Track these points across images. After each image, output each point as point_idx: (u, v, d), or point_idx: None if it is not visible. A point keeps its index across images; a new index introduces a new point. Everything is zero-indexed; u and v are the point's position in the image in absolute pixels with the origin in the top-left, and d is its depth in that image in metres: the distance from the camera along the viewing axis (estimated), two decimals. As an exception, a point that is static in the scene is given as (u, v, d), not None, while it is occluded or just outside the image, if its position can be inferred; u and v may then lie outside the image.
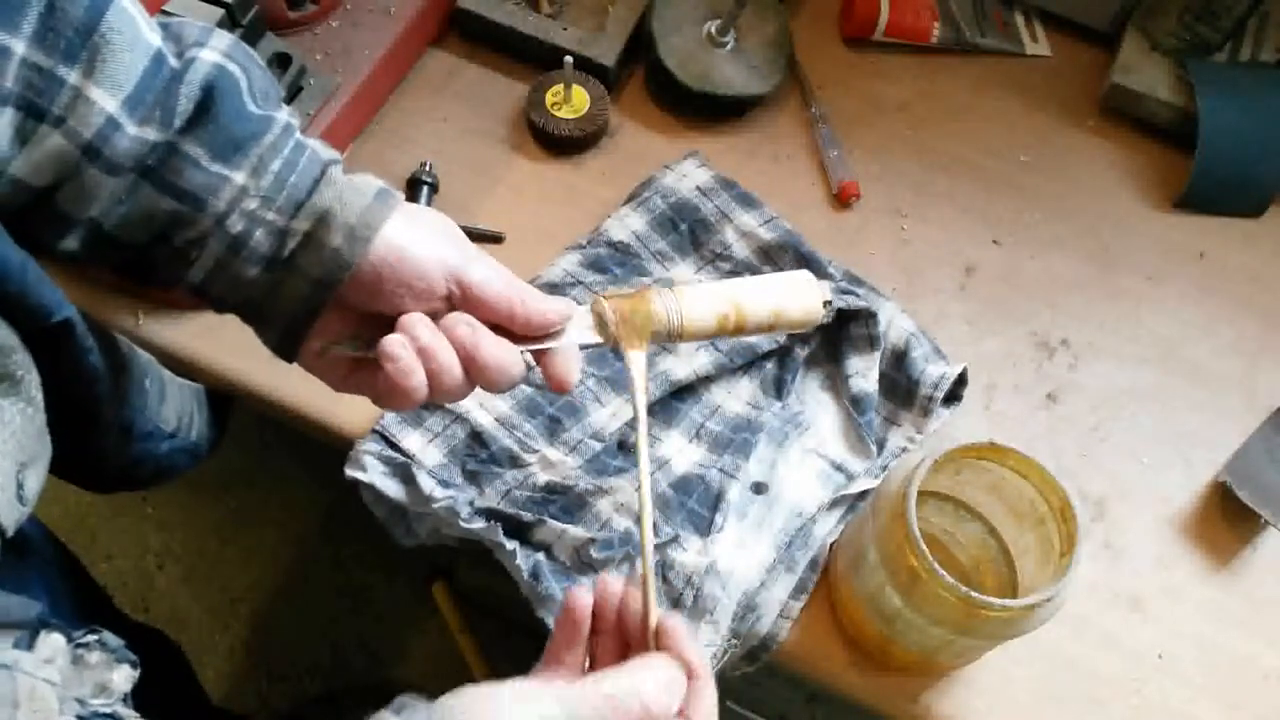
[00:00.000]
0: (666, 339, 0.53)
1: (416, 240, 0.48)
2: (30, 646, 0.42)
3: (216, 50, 0.47)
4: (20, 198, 0.45)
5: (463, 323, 0.48)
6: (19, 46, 0.42)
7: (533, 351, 0.51)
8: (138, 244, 0.48)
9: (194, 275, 0.48)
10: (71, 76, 0.43)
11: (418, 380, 0.47)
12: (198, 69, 0.46)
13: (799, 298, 0.55)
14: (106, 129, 0.44)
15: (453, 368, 0.48)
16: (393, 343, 0.47)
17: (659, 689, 0.45)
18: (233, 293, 0.49)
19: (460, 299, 0.49)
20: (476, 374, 0.49)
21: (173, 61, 0.46)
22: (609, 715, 0.43)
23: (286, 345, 0.51)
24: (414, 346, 0.47)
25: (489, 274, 0.49)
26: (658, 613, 0.48)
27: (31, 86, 0.43)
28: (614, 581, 0.50)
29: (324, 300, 0.48)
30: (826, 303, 0.56)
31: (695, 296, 0.53)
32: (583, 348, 0.53)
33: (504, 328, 0.50)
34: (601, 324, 0.52)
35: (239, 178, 0.47)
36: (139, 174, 0.46)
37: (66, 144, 0.44)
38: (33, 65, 0.43)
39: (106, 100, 0.44)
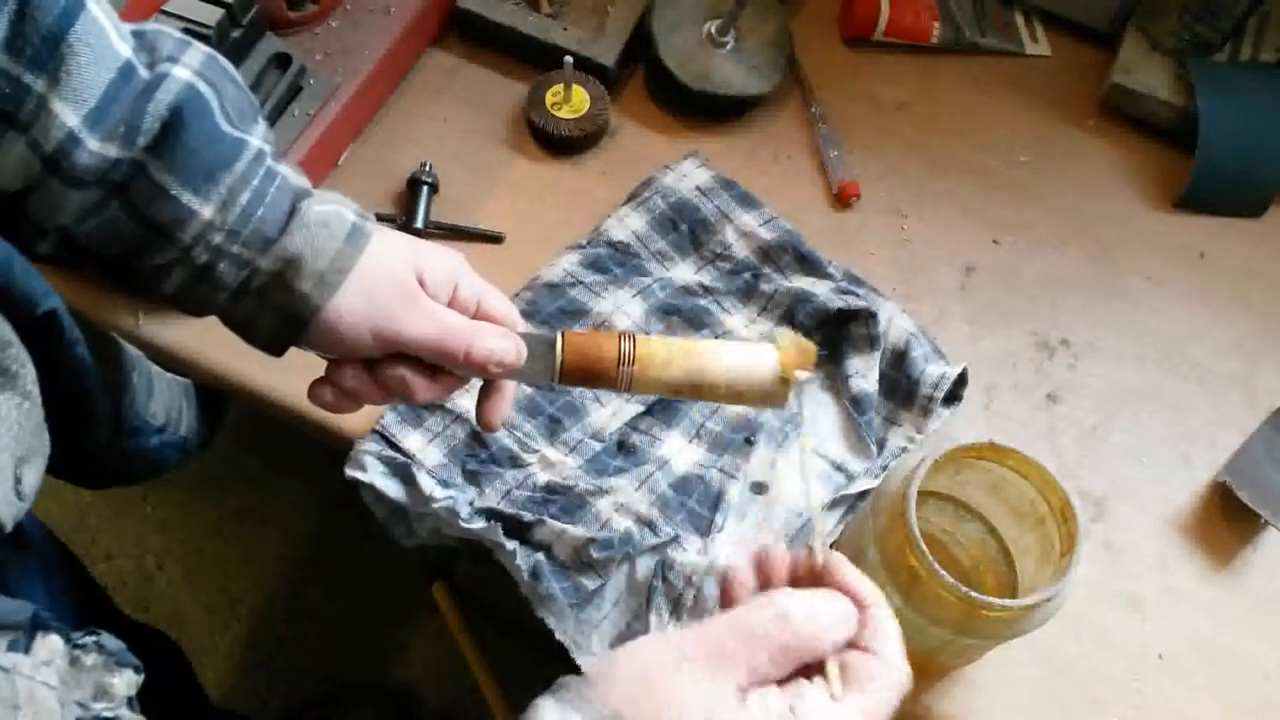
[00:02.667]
0: (613, 390, 0.53)
1: (348, 318, 0.49)
2: (28, 649, 0.42)
3: (189, 68, 0.46)
4: None
5: (396, 378, 0.51)
6: None
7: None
8: (110, 255, 0.48)
9: (166, 290, 0.49)
10: (38, 85, 0.43)
11: (347, 411, 0.53)
12: (168, 87, 0.45)
13: (763, 389, 0.53)
14: (67, 143, 0.43)
15: (384, 401, 0.52)
16: (318, 389, 0.52)
17: (801, 604, 0.41)
18: (205, 309, 0.50)
19: (398, 351, 0.51)
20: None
21: (143, 73, 0.46)
22: (735, 636, 0.40)
23: (273, 352, 0.52)
24: (343, 388, 0.51)
25: (423, 332, 0.50)
26: (822, 555, 0.45)
27: (0, 92, 0.42)
28: (776, 548, 0.47)
29: (296, 334, 0.50)
30: (784, 380, 0.53)
31: (659, 364, 0.53)
32: (531, 385, 0.54)
33: None
34: (553, 363, 0.53)
35: (207, 212, 0.46)
36: (106, 190, 0.45)
37: (30, 154, 0.43)
38: (2, 71, 0.42)
39: (68, 114, 0.43)
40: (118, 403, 0.65)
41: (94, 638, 0.45)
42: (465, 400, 0.73)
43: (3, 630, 0.42)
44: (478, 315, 0.54)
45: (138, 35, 0.47)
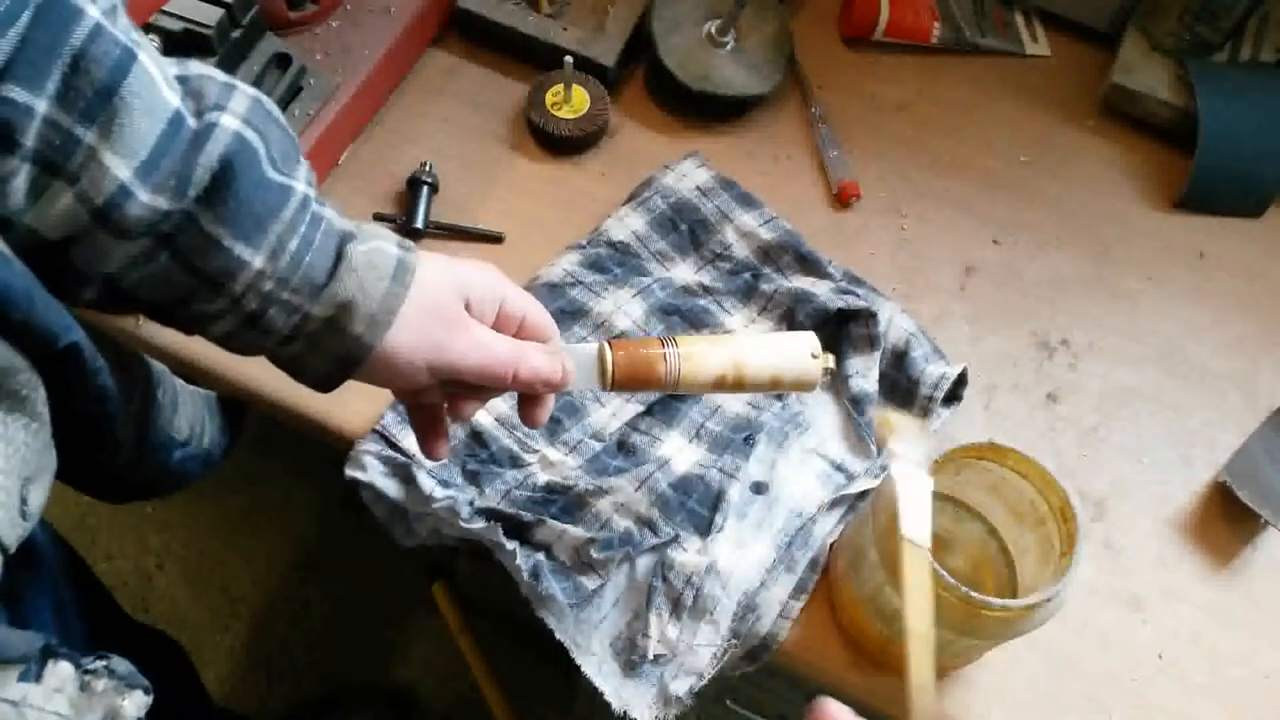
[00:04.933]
0: (661, 389, 0.56)
1: (403, 354, 0.50)
2: (38, 678, 0.42)
3: (236, 115, 0.46)
4: (36, 248, 0.44)
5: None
6: (41, 106, 0.41)
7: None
8: (156, 303, 0.48)
9: (213, 333, 0.49)
10: (88, 137, 0.43)
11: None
12: (218, 138, 0.45)
13: (798, 364, 0.56)
14: (118, 196, 0.43)
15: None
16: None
17: None
18: (253, 353, 0.51)
19: (449, 379, 0.52)
20: None
21: (191, 122, 0.45)
22: None
23: (321, 389, 0.52)
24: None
25: (472, 360, 0.51)
26: None
27: (49, 144, 0.42)
28: None
29: (346, 376, 0.50)
30: (827, 370, 0.56)
31: (699, 354, 0.55)
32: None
33: None
34: (603, 370, 0.55)
35: (258, 261, 0.46)
36: (155, 240, 0.45)
37: (78, 206, 0.43)
38: (52, 123, 0.42)
39: (120, 167, 0.43)
40: (142, 422, 0.65)
41: (104, 662, 0.45)
42: (465, 400, 0.73)
43: (12, 664, 0.41)
44: (521, 330, 0.55)
45: (182, 80, 0.47)
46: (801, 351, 0.55)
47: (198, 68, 0.48)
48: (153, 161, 0.44)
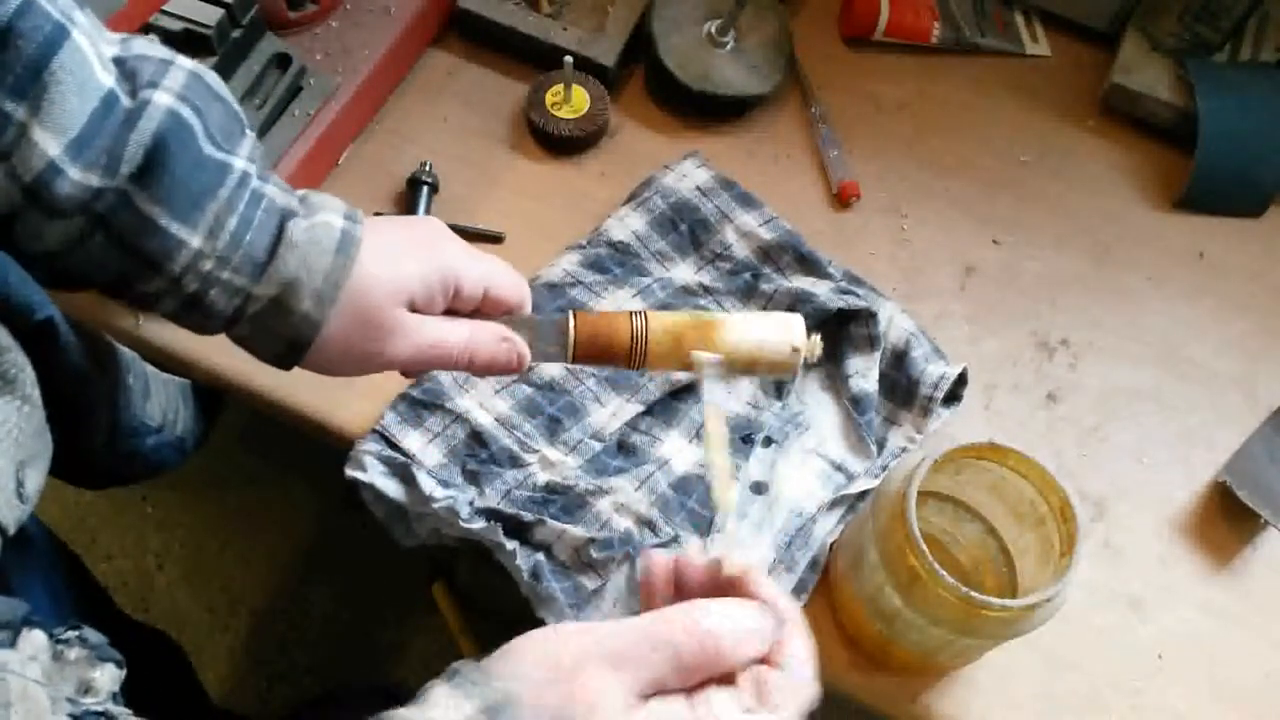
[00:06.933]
0: (628, 364, 0.53)
1: (339, 347, 0.49)
2: (13, 645, 0.42)
3: (170, 92, 0.46)
4: None
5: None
6: None
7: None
8: (103, 279, 0.47)
9: (162, 313, 0.49)
10: (18, 113, 0.42)
11: None
12: (150, 115, 0.45)
13: (775, 343, 0.53)
14: (47, 173, 0.43)
15: None
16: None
17: (717, 618, 0.41)
18: (204, 331, 0.50)
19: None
20: None
21: (125, 102, 0.45)
22: (646, 641, 0.40)
23: (282, 367, 0.52)
24: None
25: (413, 355, 0.50)
26: (737, 562, 0.45)
27: None
28: (694, 550, 0.47)
29: (298, 357, 0.50)
30: (808, 356, 0.54)
31: (671, 328, 0.53)
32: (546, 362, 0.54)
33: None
34: (565, 341, 0.53)
35: (195, 241, 0.46)
36: (89, 220, 0.45)
37: (9, 183, 0.43)
38: None
39: (49, 144, 0.43)
40: (113, 406, 0.65)
41: (76, 632, 0.45)
42: (465, 400, 0.73)
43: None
44: (485, 301, 0.53)
45: (119, 62, 0.46)
46: (780, 331, 0.53)
47: (139, 46, 0.47)
48: (83, 139, 0.44)
